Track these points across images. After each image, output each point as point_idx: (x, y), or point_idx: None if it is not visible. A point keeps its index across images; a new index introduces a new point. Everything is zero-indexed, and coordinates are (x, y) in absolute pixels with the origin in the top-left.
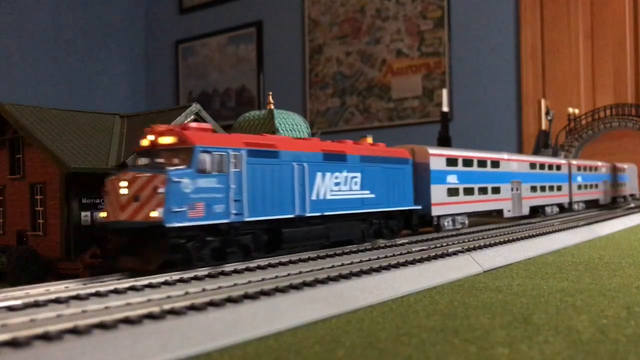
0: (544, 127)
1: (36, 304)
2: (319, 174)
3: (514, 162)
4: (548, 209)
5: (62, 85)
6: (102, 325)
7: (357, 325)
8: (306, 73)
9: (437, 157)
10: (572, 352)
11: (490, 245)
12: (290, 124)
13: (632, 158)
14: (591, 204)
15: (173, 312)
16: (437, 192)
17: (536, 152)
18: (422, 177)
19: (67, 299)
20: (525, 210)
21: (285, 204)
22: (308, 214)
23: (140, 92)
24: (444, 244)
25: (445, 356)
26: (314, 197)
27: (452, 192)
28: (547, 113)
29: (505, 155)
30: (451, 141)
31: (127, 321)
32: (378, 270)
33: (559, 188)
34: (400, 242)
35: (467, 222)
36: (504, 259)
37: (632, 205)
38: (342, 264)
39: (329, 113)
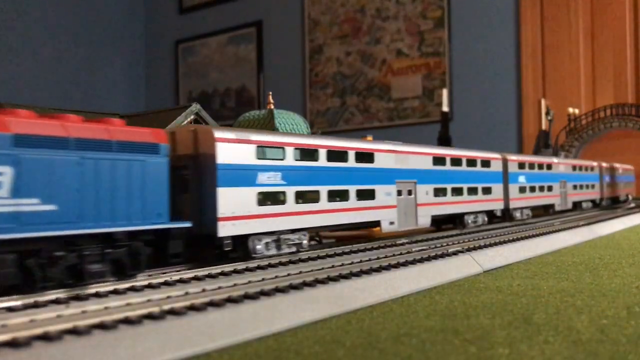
0: (544, 127)
1: (36, 305)
2: None
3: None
4: (469, 218)
5: (61, 85)
6: (101, 326)
7: (357, 325)
8: (306, 73)
9: (232, 144)
10: (572, 352)
11: (491, 245)
12: (290, 124)
13: (632, 158)
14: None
15: (173, 312)
16: (236, 199)
17: (536, 152)
18: (204, 178)
19: (67, 299)
20: (424, 222)
21: None
22: None
23: (140, 92)
24: (444, 244)
25: (445, 356)
26: None
27: (268, 197)
28: (547, 113)
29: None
30: (451, 141)
31: (127, 321)
32: (378, 270)
33: (487, 190)
34: (400, 242)
35: (306, 241)
36: (504, 259)
37: (632, 205)
38: (342, 264)
39: (329, 113)
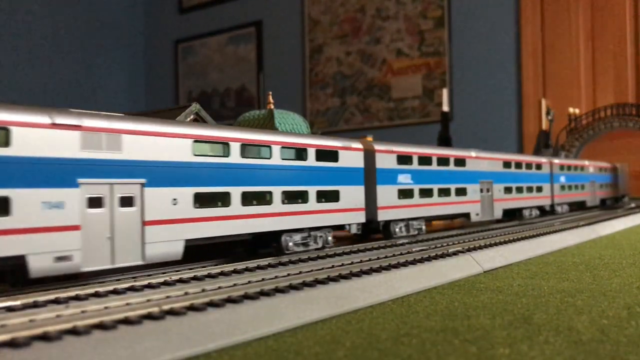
0: (544, 127)
1: (35, 305)
2: None
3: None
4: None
5: (61, 84)
6: (101, 326)
7: (357, 326)
8: (306, 73)
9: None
10: (572, 353)
11: (491, 245)
12: (290, 124)
13: (633, 158)
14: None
15: (173, 312)
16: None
17: (537, 152)
18: None
19: (67, 299)
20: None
21: None
22: None
23: (140, 91)
24: (444, 244)
25: (445, 356)
26: None
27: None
28: (547, 113)
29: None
30: (451, 141)
31: (127, 322)
32: (378, 270)
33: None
34: (401, 242)
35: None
36: (505, 259)
37: (633, 205)
38: (342, 264)
39: (329, 113)
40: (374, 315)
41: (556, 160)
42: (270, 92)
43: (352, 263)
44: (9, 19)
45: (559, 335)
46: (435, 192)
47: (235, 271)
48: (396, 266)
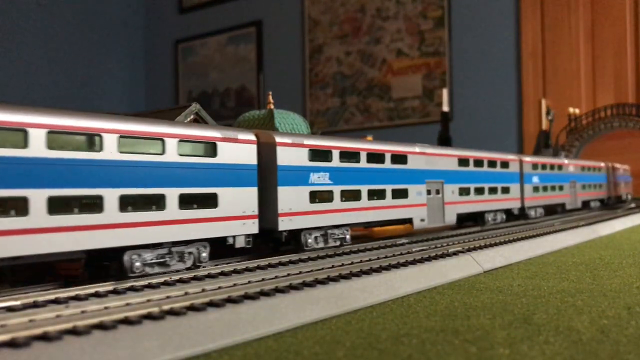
0: (544, 127)
1: (35, 305)
2: None
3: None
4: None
5: (61, 84)
6: (101, 326)
7: (357, 326)
8: (306, 73)
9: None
10: (572, 353)
11: (491, 245)
12: (290, 124)
13: (633, 158)
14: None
15: (172, 312)
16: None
17: (537, 152)
18: None
19: (66, 299)
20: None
21: None
22: None
23: (140, 91)
24: (444, 244)
25: (445, 356)
26: None
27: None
28: (547, 113)
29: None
30: (451, 141)
31: (127, 322)
32: (378, 270)
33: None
34: (401, 242)
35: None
36: (505, 259)
37: (633, 205)
38: (342, 264)
39: (329, 113)
40: (374, 315)
41: (527, 158)
42: (270, 92)
43: (352, 263)
44: (8, 19)
45: (559, 335)
46: (364, 195)
47: (235, 271)
48: (396, 266)
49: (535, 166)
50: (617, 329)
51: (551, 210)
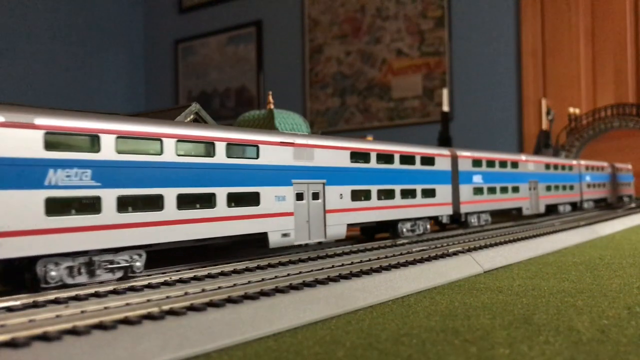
0: (544, 126)
1: (35, 305)
2: None
3: None
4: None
5: (61, 84)
6: (101, 326)
7: (357, 326)
8: (306, 73)
9: None
10: (572, 353)
11: (491, 245)
12: (290, 124)
13: (633, 158)
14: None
15: (172, 312)
16: None
17: (537, 152)
18: None
19: (66, 299)
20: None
21: None
22: None
23: (140, 91)
24: (445, 244)
25: (445, 356)
26: None
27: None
28: (547, 113)
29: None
30: (452, 141)
31: (127, 322)
32: (378, 270)
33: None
34: (401, 242)
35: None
36: (505, 259)
37: (633, 205)
38: (342, 264)
39: (329, 113)
40: (374, 315)
41: (465, 153)
42: (271, 92)
43: (352, 263)
44: (8, 19)
45: (559, 336)
46: (169, 202)
47: (235, 271)
48: (396, 266)
49: (477, 163)
50: (617, 329)
51: (505, 215)
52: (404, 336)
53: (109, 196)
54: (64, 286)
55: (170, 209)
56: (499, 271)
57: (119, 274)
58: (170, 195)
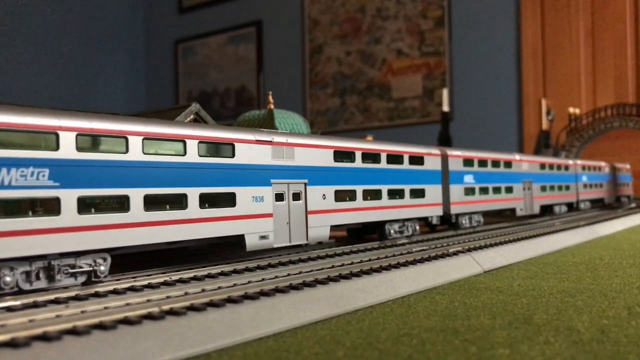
0: (544, 127)
1: (35, 305)
2: None
3: None
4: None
5: (61, 84)
6: (101, 326)
7: (357, 326)
8: (306, 73)
9: None
10: (572, 353)
11: (491, 245)
12: (290, 124)
13: (633, 158)
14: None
15: (172, 312)
16: None
17: (537, 152)
18: None
19: (66, 299)
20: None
21: None
22: None
23: (140, 91)
24: (445, 244)
25: (445, 356)
26: None
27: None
28: (547, 113)
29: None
30: (452, 141)
31: (127, 322)
32: (378, 270)
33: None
34: (401, 242)
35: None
36: (505, 259)
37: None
38: (342, 264)
39: (329, 113)
40: (374, 315)
41: (455, 152)
42: (270, 92)
43: (352, 263)
44: (8, 19)
45: (559, 336)
46: (135, 204)
47: (235, 271)
48: (396, 266)
49: (469, 163)
50: (617, 329)
51: (499, 216)
52: (404, 336)
53: (69, 197)
54: (20, 292)
55: (137, 211)
56: (499, 271)
57: (82, 279)
58: (136, 196)
